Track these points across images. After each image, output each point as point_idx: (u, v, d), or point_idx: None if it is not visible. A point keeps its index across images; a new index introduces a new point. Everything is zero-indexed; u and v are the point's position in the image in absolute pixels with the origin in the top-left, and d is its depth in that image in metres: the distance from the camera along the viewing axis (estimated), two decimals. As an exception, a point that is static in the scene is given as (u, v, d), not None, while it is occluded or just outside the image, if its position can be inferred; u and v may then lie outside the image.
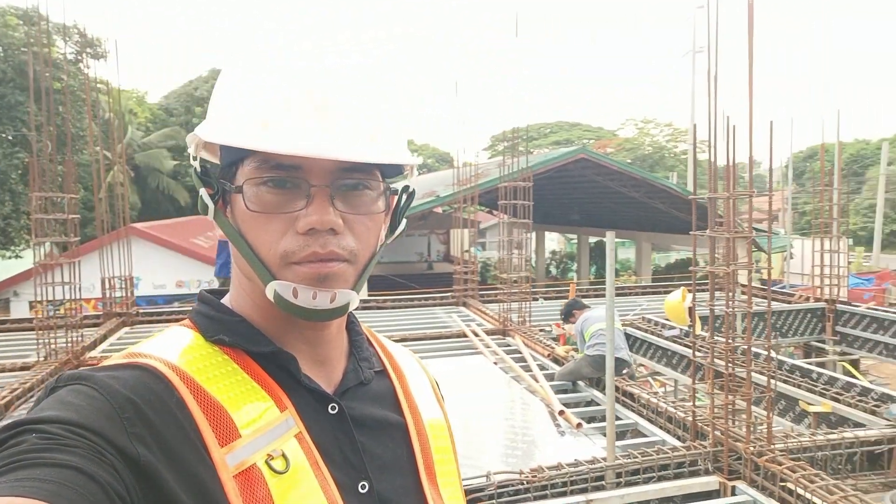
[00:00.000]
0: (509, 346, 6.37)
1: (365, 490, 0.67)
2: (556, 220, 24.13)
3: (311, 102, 0.62)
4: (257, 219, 0.64)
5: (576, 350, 5.48)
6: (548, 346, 5.97)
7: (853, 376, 6.78)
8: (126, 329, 7.74)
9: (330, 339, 0.73)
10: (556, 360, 5.59)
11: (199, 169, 0.68)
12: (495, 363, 5.66)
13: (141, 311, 8.55)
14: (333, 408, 0.69)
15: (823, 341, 7.36)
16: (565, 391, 5.08)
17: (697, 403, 3.96)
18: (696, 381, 4.03)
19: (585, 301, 6.18)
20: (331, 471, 0.65)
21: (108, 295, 7.78)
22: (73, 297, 5.99)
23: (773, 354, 3.80)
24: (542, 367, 5.46)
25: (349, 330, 0.78)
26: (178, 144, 27.06)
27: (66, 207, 6.01)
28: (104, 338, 7.05)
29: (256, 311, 0.70)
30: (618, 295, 7.54)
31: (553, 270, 28.06)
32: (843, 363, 7.14)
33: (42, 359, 5.74)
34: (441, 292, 9.61)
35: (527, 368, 5.39)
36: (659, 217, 17.87)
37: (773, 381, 3.58)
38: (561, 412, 4.36)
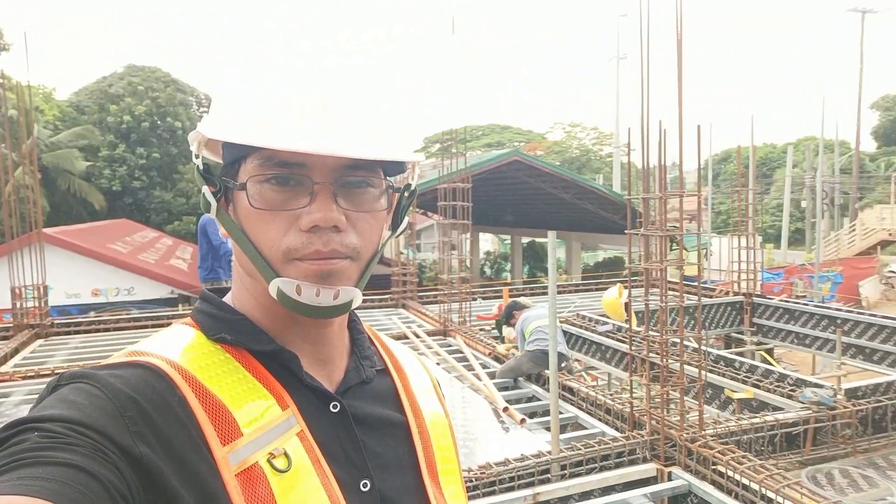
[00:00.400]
0: (451, 346, 6.42)
1: (367, 489, 0.67)
2: (491, 221, 24.53)
3: (311, 102, 0.62)
4: (260, 216, 0.64)
5: (516, 348, 5.60)
6: (489, 344, 6.06)
7: (770, 364, 7.28)
8: (40, 342, 7.22)
9: (332, 337, 0.73)
10: (498, 359, 5.68)
11: (201, 167, 0.68)
12: (438, 363, 5.69)
13: (56, 321, 8.00)
14: (335, 406, 0.69)
15: (742, 332, 7.86)
16: (507, 388, 5.18)
17: (633, 395, 4.14)
18: (631, 374, 4.21)
19: (521, 300, 6.33)
20: (332, 469, 0.65)
21: (18, 305, 7.24)
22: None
23: (703, 347, 4.02)
24: (484, 366, 5.54)
25: (350, 328, 0.78)
26: (90, 144, 25.46)
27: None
28: (16, 351, 6.55)
29: (259, 309, 0.69)
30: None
31: (487, 271, 28.48)
32: (761, 352, 7.65)
33: (-54, 376, 5.28)
34: (379, 294, 9.55)
35: (469, 367, 5.46)
36: (587, 217, 18.52)
37: (703, 371, 3.79)
38: (505, 409, 4.44)
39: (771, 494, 3.07)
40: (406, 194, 0.73)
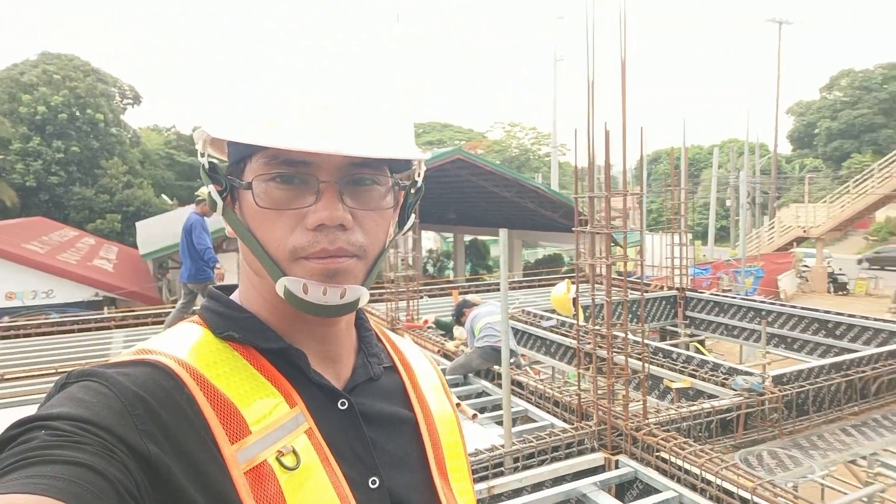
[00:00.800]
0: (399, 344, 6.42)
1: (375, 486, 0.67)
2: (433, 220, 24.63)
3: (315, 100, 0.62)
4: (266, 215, 0.64)
5: (465, 345, 5.67)
6: (437, 342, 6.11)
7: (703, 355, 7.69)
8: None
9: (339, 335, 0.73)
10: (447, 356, 5.74)
11: (206, 166, 0.67)
12: (458, 405, 5.67)
13: (-30, 326, 7.47)
14: (343, 403, 0.69)
15: (676, 325, 8.26)
16: (457, 385, 5.24)
17: (580, 387, 4.28)
18: (579, 367, 4.35)
19: (471, 297, 6.41)
20: (341, 467, 0.65)
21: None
22: None
23: (647, 340, 4.20)
24: (434, 363, 5.58)
25: (358, 326, 0.78)
26: (1, 137, 23.80)
27: None
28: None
29: (266, 307, 0.69)
30: (497, 290, 7.88)
31: (430, 269, 28.58)
32: (694, 343, 8.06)
33: None
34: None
35: (419, 365, 5.48)
36: (528, 215, 18.92)
37: (646, 364, 3.97)
38: (457, 405, 4.49)
39: (710, 477, 3.26)
40: (412, 191, 0.73)
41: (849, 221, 22.20)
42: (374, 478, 0.67)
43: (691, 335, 8.18)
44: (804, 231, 23.00)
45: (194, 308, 5.88)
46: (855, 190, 21.05)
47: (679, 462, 3.45)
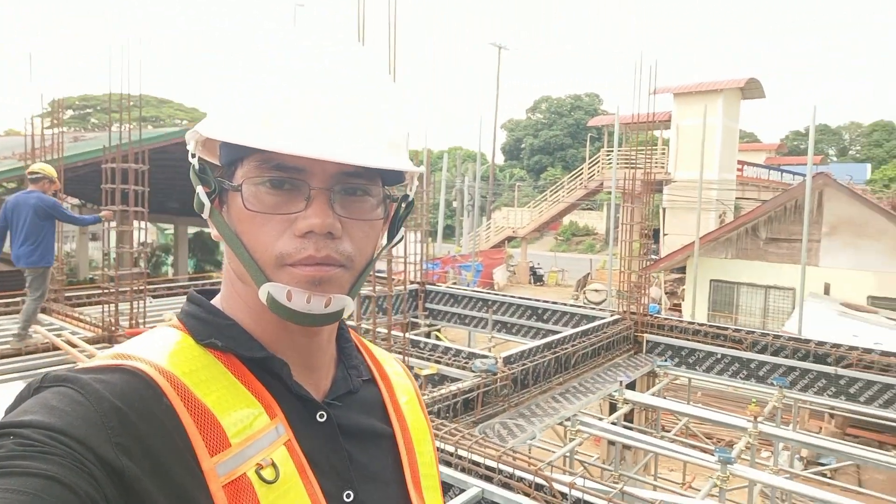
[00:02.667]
0: (126, 351, 5.57)
1: (350, 499, 0.67)
2: (151, 208, 21.90)
3: (310, 103, 0.61)
4: (255, 219, 0.63)
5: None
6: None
7: (444, 343, 8.40)
8: None
9: (321, 345, 0.71)
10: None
11: (197, 167, 0.66)
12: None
13: None
14: (322, 416, 0.68)
15: (417, 316, 8.87)
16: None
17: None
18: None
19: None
20: (318, 479, 0.65)
21: None
22: None
23: (397, 332, 4.41)
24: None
25: (338, 337, 0.77)
26: None
27: None
28: None
29: (248, 314, 0.68)
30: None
31: (143, 265, 25.39)
32: (435, 332, 8.75)
33: None
34: (4, 298, 7.63)
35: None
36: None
37: (405, 357, 4.16)
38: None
39: (463, 452, 3.58)
40: (403, 205, 0.72)
41: (545, 224, 26.57)
42: (349, 491, 0.67)
43: (430, 325, 8.86)
44: (513, 231, 26.81)
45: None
46: (550, 198, 25.32)
47: (438, 443, 3.71)
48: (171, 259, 25.12)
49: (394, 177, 0.69)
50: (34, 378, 0.57)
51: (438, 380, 5.35)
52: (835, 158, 47.31)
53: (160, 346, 0.64)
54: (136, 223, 6.49)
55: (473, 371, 5.12)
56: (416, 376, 5.44)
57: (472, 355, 5.42)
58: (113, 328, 6.06)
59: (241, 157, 0.63)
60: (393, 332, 4.49)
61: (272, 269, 0.62)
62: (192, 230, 24.31)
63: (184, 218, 22.31)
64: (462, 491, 3.44)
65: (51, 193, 5.81)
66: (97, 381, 0.55)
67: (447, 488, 3.55)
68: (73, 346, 5.61)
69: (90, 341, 5.80)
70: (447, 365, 5.34)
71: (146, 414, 0.56)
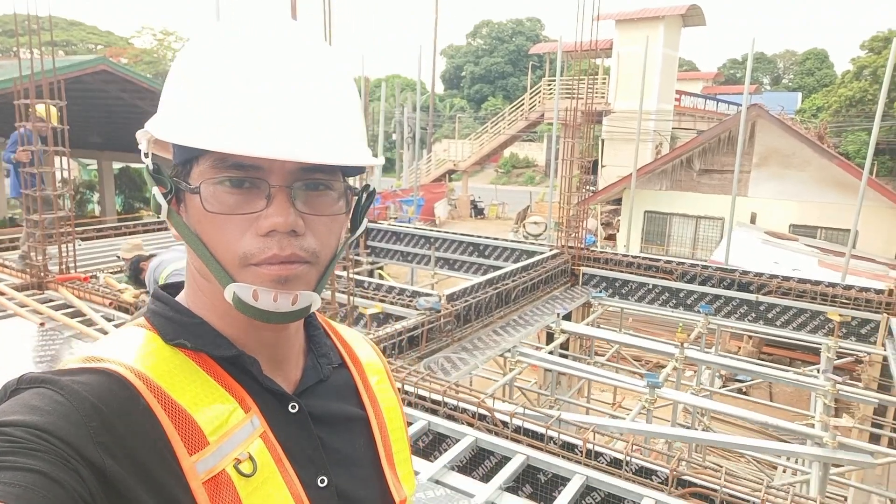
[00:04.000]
0: (54, 300, 5.34)
1: (324, 484, 0.69)
2: (71, 143, 20.39)
3: (265, 100, 0.59)
4: (215, 219, 0.62)
5: (146, 293, 5.04)
6: (108, 294, 5.28)
7: (387, 280, 8.43)
8: None
9: (289, 338, 0.72)
10: (125, 309, 5.03)
11: (151, 167, 0.65)
12: (42, 324, 4.69)
13: None
14: (293, 407, 0.69)
15: (359, 254, 8.84)
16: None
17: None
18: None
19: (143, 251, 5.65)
20: (294, 468, 0.66)
21: None
22: None
23: (349, 274, 4.40)
24: (108, 318, 4.83)
25: (307, 325, 0.77)
26: None
27: None
28: None
29: (214, 312, 0.68)
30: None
31: (68, 204, 23.87)
32: (378, 271, 8.77)
33: None
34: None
35: (89, 322, 4.69)
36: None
37: (351, 297, 4.18)
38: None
39: (409, 388, 3.70)
40: (365, 196, 0.72)
41: (486, 156, 26.52)
42: (322, 477, 0.69)
43: (373, 263, 8.87)
44: (454, 164, 26.64)
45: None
46: (492, 129, 25.15)
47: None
48: (96, 196, 23.66)
49: (353, 168, 0.69)
50: (9, 380, 0.57)
51: (384, 318, 5.43)
52: (768, 87, 48.74)
53: (131, 348, 0.63)
54: (56, 163, 6.03)
55: (418, 309, 5.21)
56: (361, 315, 5.49)
57: (415, 293, 5.50)
58: (42, 274, 5.76)
59: (197, 157, 0.62)
60: (336, 273, 4.47)
61: (236, 269, 0.62)
62: (117, 165, 22.82)
63: (108, 153, 20.89)
64: (410, 424, 3.58)
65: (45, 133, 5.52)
66: (75, 383, 0.56)
67: (394, 424, 3.69)
68: (2, 293, 5.32)
69: (18, 288, 5.51)
70: (391, 304, 5.40)
71: (125, 414, 0.56)
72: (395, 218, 19.03)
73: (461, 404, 3.55)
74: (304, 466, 0.67)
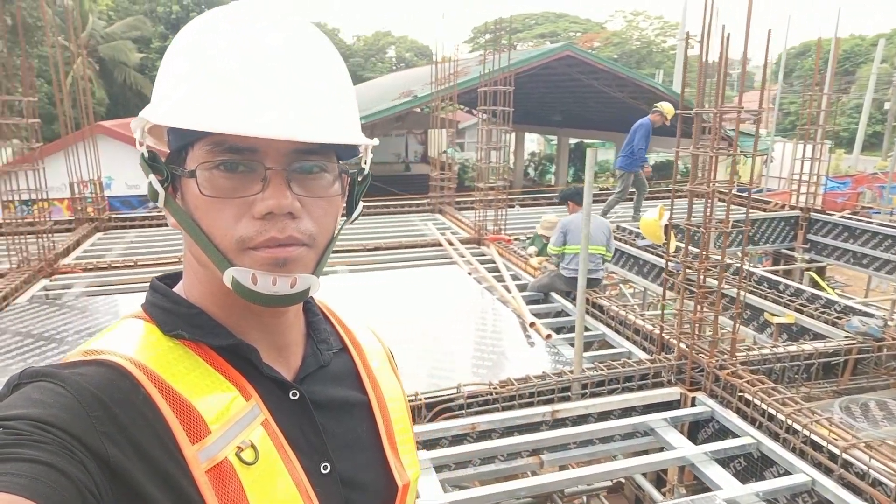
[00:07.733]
0: (484, 255, 6.36)
1: (327, 471, 0.69)
2: (537, 121, 23.49)
3: (259, 82, 0.59)
4: (211, 204, 0.62)
5: (548, 260, 5.47)
6: (522, 256, 5.96)
7: (818, 285, 6.94)
8: (99, 235, 7.57)
9: (288, 324, 0.72)
10: (529, 273, 5.60)
11: (146, 155, 0.65)
12: (469, 273, 5.65)
13: (114, 216, 8.35)
14: (294, 394, 0.70)
15: (793, 249, 7.47)
16: (537, 302, 5.13)
17: (665, 314, 4.00)
18: (664, 296, 4.05)
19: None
20: (297, 455, 0.66)
21: (77, 197, 7.53)
22: (41, 199, 5.77)
23: (746, 267, 3.78)
24: (515, 278, 5.47)
25: (306, 311, 0.78)
26: (143, 35, 25.37)
27: (24, 112, 5.61)
28: (77, 244, 6.90)
29: (212, 299, 0.68)
30: (595, 200, 7.35)
31: (531, 172, 27.77)
32: (811, 272, 7.28)
33: (15, 266, 5.61)
34: (417, 199, 9.46)
35: (500, 279, 5.41)
36: (640, 118, 17.49)
37: (742, 293, 3.59)
38: (532, 324, 4.41)
39: (798, 427, 2.97)
40: (359, 178, 0.72)
41: None
42: (325, 463, 0.69)
43: (810, 261, 7.38)
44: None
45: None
46: None
47: (764, 407, 3.17)
48: (553, 168, 26.92)
49: (348, 151, 0.68)
50: (12, 376, 0.59)
51: (796, 332, 4.48)
52: None
53: (130, 340, 0.65)
54: (525, 135, 7.25)
55: (846, 330, 4.10)
56: (766, 322, 4.68)
57: (848, 309, 4.33)
58: (483, 232, 6.95)
59: (192, 142, 0.62)
60: (734, 262, 3.89)
61: (234, 253, 0.62)
62: (573, 141, 25.38)
63: (566, 129, 23.39)
64: (785, 473, 2.90)
65: (659, 125, 7.50)
66: (76, 375, 0.57)
67: (768, 463, 3.04)
68: (451, 244, 6.67)
69: (463, 241, 6.79)
70: (810, 316, 4.40)
71: (126, 404, 0.57)
72: (870, 208, 15.32)
73: (872, 472, 2.65)
74: (306, 454, 0.67)
